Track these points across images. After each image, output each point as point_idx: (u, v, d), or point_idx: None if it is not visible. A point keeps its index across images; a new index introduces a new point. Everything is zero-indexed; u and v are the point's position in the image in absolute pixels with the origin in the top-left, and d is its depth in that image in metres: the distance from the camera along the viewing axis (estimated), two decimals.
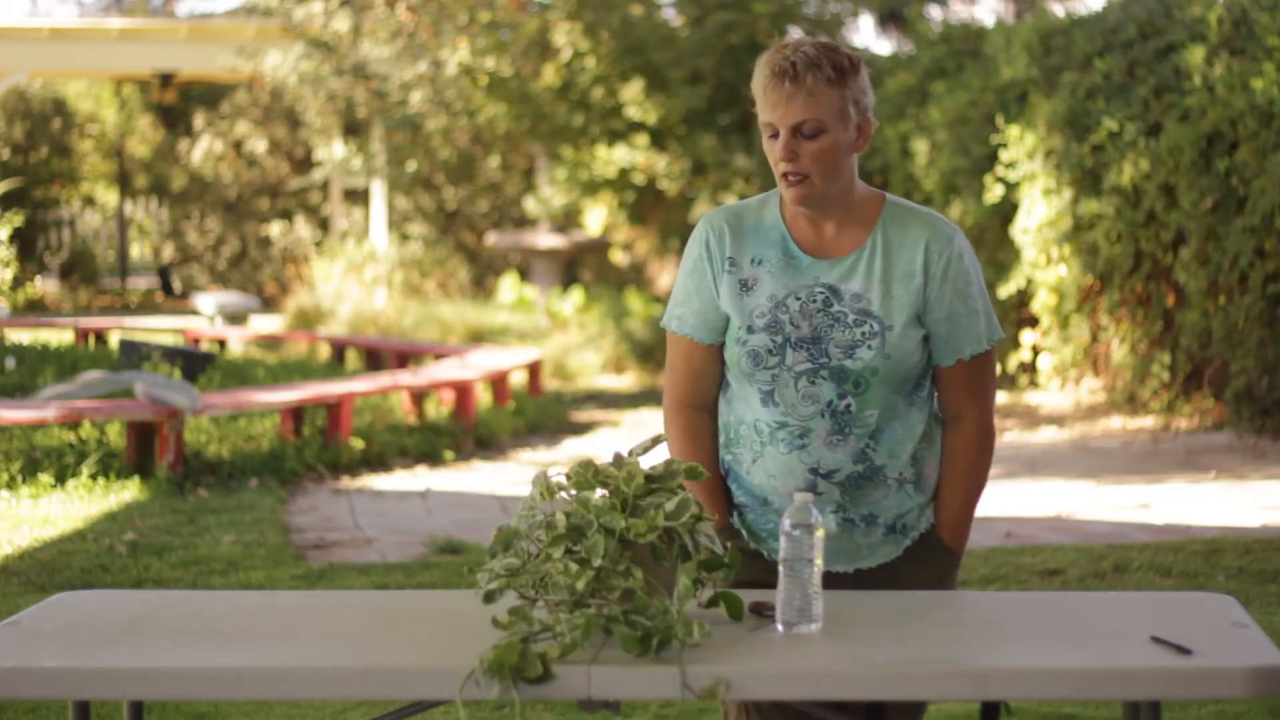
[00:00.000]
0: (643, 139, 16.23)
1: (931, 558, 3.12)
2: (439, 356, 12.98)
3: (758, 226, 3.09)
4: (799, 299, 3.03)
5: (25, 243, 22.03)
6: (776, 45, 3.00)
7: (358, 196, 22.12)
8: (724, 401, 3.14)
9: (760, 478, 3.08)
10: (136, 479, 8.68)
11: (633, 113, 16.16)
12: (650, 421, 12.11)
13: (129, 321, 18.06)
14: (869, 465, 3.04)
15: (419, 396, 10.76)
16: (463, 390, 10.87)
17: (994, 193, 12.53)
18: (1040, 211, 11.88)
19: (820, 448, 3.02)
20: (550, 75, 16.34)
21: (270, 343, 16.23)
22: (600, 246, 18.14)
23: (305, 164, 22.95)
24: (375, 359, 13.98)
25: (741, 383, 3.08)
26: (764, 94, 2.97)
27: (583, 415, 12.68)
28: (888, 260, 3.02)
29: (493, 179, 20.27)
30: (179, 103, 23.63)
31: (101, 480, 8.65)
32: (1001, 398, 12.92)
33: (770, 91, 2.95)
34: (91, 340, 15.61)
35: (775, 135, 2.98)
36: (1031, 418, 11.84)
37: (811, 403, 3.02)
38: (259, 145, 23.46)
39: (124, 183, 25.65)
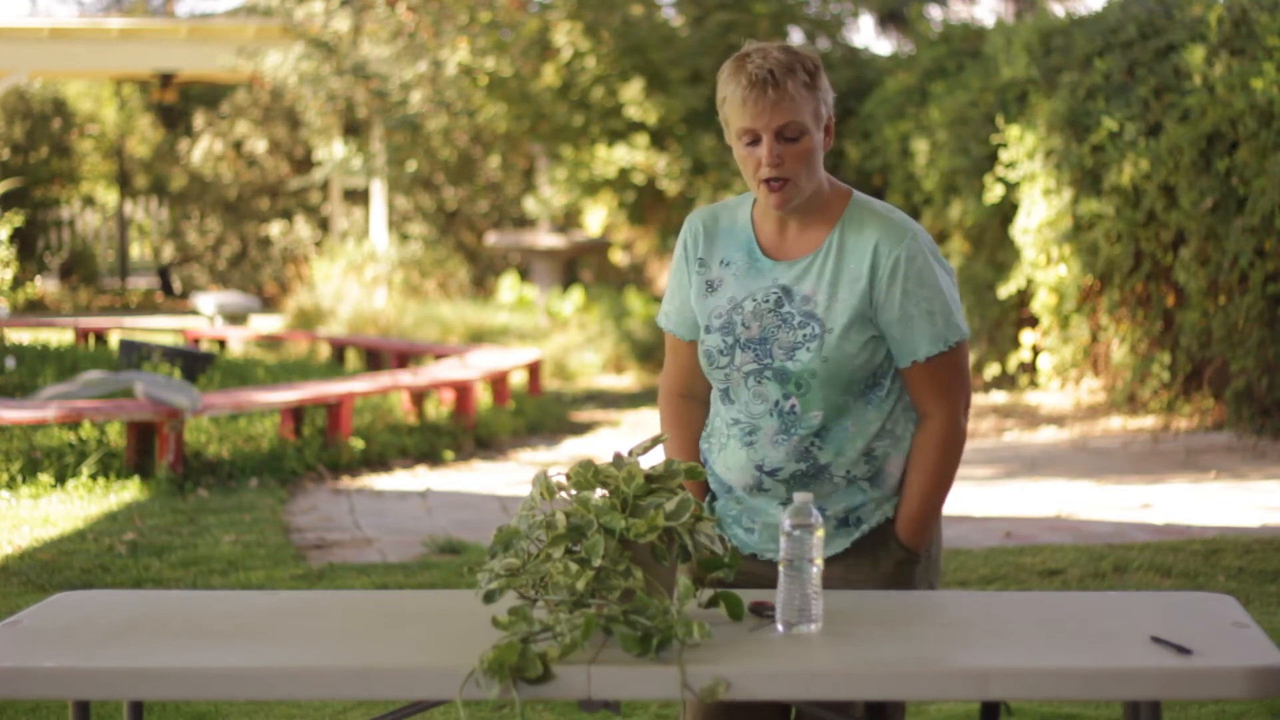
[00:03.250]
0: (643, 139, 16.23)
1: (879, 551, 3.14)
2: (439, 356, 12.98)
3: (731, 227, 3.17)
4: (755, 300, 3.10)
5: (25, 243, 22.04)
6: (739, 54, 3.05)
7: (358, 196, 22.13)
8: (713, 395, 3.23)
9: (721, 469, 3.17)
10: (136, 479, 8.67)
11: (633, 113, 16.16)
12: (650, 421, 12.11)
13: (129, 321, 18.07)
14: (813, 464, 3.08)
15: (419, 396, 10.76)
16: (463, 390, 10.87)
17: (994, 193, 12.53)
18: (1040, 211, 11.88)
19: (766, 446, 3.09)
20: (550, 75, 16.34)
21: (270, 343, 16.23)
22: (600, 246, 18.14)
23: (305, 164, 22.95)
24: (375, 359, 13.98)
25: (709, 379, 3.19)
26: (744, 103, 3.00)
27: (583, 415, 12.69)
28: (839, 263, 3.07)
29: (493, 179, 20.27)
30: (179, 103, 23.64)
31: (101, 480, 8.64)
32: (1001, 398, 12.91)
33: (754, 101, 2.99)
34: (91, 340, 15.61)
35: (754, 141, 3.03)
36: (1031, 418, 11.84)
37: (761, 402, 3.09)
38: (259, 145, 23.47)
39: (124, 183, 25.66)
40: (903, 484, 3.14)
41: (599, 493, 2.81)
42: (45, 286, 23.96)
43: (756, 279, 3.11)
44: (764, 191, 3.05)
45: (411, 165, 18.28)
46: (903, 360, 3.09)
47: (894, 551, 3.14)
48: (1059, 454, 10.14)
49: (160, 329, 16.64)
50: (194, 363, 11.93)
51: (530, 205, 17.64)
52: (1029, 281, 12.36)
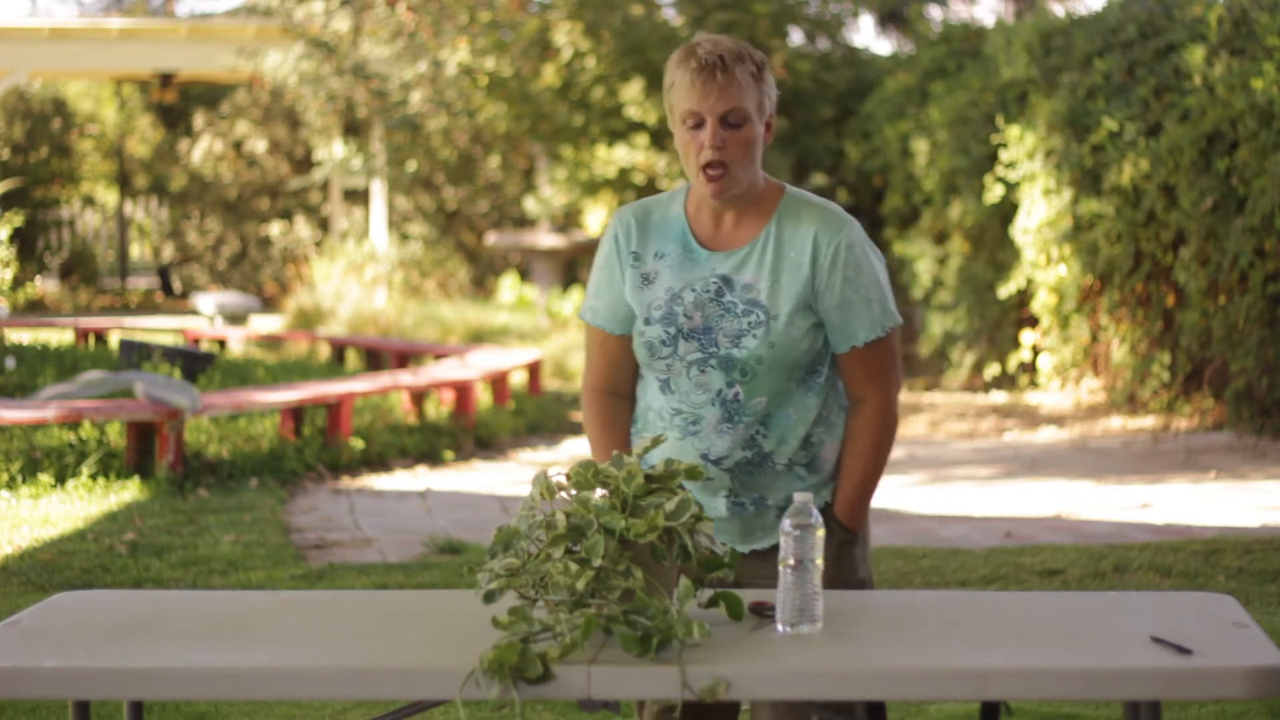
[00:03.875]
0: (643, 139, 16.23)
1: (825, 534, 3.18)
2: (439, 356, 12.97)
3: (663, 220, 3.22)
4: (694, 291, 3.15)
5: (25, 243, 22.03)
6: (688, 44, 3.12)
7: (358, 196, 22.12)
8: (640, 388, 3.26)
9: (658, 461, 3.16)
10: (136, 479, 8.67)
11: (633, 113, 16.16)
12: None
13: (129, 321, 18.06)
14: (757, 451, 3.14)
15: (419, 396, 10.76)
16: (463, 390, 10.87)
17: (994, 193, 12.53)
18: (1040, 211, 11.88)
19: (710, 435, 3.14)
20: (550, 75, 16.34)
21: (270, 343, 16.23)
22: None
23: (305, 164, 22.95)
24: (375, 359, 13.98)
25: (644, 371, 3.22)
26: (691, 86, 3.07)
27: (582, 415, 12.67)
28: (779, 252, 3.13)
29: (493, 179, 20.27)
30: (179, 103, 23.64)
31: (101, 480, 8.64)
32: (1001, 398, 12.92)
33: (700, 84, 3.06)
34: (91, 340, 15.61)
35: (698, 125, 3.09)
36: (1031, 418, 11.84)
37: (703, 391, 3.14)
38: (259, 145, 23.47)
39: (124, 183, 25.66)
40: (838, 469, 3.20)
41: (599, 493, 2.81)
42: (45, 286, 23.96)
43: (693, 269, 3.16)
44: (702, 179, 3.10)
45: (411, 165, 18.28)
46: (841, 346, 3.16)
47: (835, 534, 3.19)
48: (1059, 454, 10.14)
49: (160, 329, 16.64)
50: (194, 363, 11.93)
51: (530, 205, 17.64)
52: (1029, 281, 12.36)
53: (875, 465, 3.19)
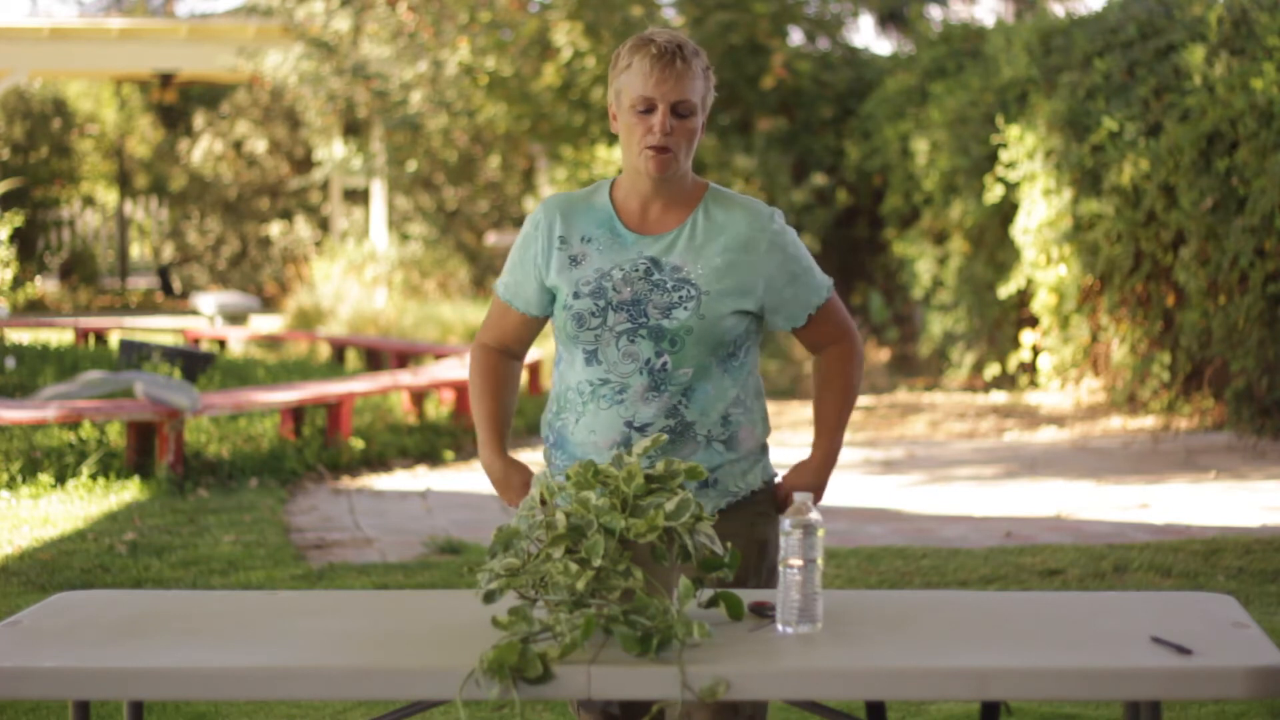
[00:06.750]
0: None
1: (761, 516, 3.26)
2: (439, 356, 12.98)
3: (589, 209, 3.30)
4: (623, 270, 3.23)
5: (25, 243, 22.05)
6: (642, 35, 3.23)
7: (358, 196, 22.13)
8: (556, 374, 3.34)
9: (582, 435, 3.24)
10: (136, 479, 8.67)
11: None
12: None
13: (129, 321, 18.07)
14: (680, 421, 3.21)
15: (419, 396, 10.76)
16: (463, 390, 10.87)
17: (994, 193, 12.53)
18: (1040, 211, 11.88)
19: (636, 403, 3.20)
20: (550, 75, 16.33)
21: (270, 343, 16.23)
22: None
23: (305, 164, 22.96)
24: (375, 359, 13.98)
25: (569, 346, 3.29)
26: (649, 73, 3.17)
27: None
28: (708, 234, 3.24)
29: (493, 179, 20.27)
30: (179, 103, 23.66)
31: (101, 480, 8.64)
32: (1001, 398, 12.91)
33: (659, 70, 3.16)
34: (91, 340, 15.61)
35: (647, 110, 3.18)
36: (1031, 418, 11.84)
37: (631, 360, 3.21)
38: (259, 145, 23.47)
39: (124, 183, 25.66)
40: (758, 451, 3.28)
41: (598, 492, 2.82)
42: (45, 286, 23.97)
43: (621, 252, 3.24)
44: (646, 158, 3.18)
45: (411, 165, 18.27)
46: (800, 317, 3.29)
47: (772, 514, 3.26)
48: (1059, 454, 10.14)
49: (160, 329, 16.64)
50: (194, 363, 11.93)
51: (530, 205, 17.64)
52: (1029, 281, 12.36)
53: (849, 399, 3.34)
